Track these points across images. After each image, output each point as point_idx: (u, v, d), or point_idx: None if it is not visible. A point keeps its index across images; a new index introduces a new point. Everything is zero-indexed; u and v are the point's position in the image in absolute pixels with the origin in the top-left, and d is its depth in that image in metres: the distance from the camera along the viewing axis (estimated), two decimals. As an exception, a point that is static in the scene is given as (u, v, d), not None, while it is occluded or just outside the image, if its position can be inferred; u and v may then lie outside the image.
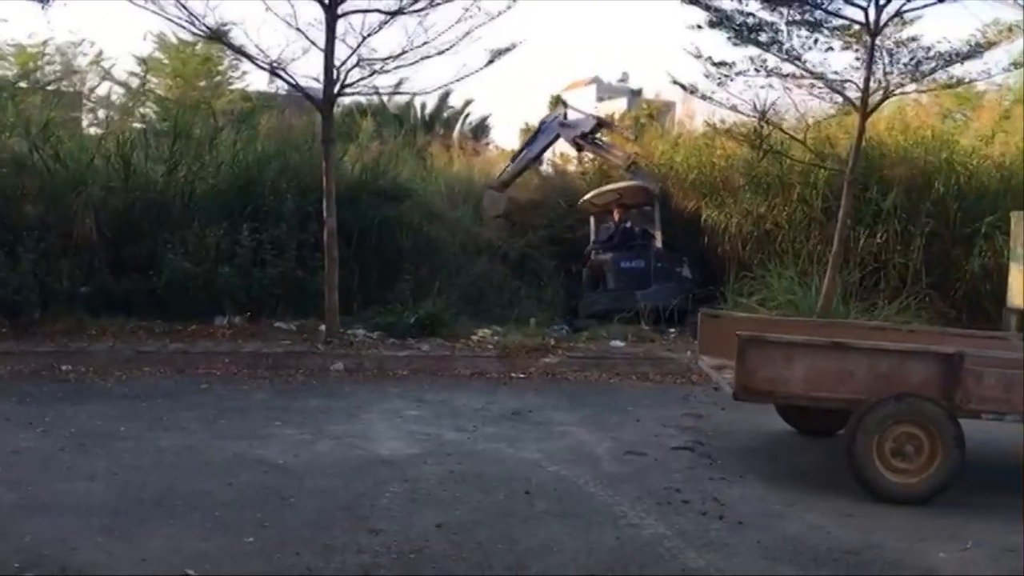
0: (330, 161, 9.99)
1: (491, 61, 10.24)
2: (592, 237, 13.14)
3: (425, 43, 9.67)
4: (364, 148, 15.03)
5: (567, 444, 6.65)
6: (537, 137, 14.27)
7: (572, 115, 14.66)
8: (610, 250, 12.68)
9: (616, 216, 12.87)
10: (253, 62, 10.18)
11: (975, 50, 10.02)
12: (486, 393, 8.45)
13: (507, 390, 8.68)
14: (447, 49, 9.74)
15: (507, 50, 10.18)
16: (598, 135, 13.95)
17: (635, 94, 42.01)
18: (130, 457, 5.98)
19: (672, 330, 11.42)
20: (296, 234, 10.80)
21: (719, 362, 6.36)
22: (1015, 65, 10.24)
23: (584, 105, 15.45)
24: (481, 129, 31.32)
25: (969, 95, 18.34)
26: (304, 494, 5.28)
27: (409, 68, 10.04)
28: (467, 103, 30.55)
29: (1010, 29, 10.00)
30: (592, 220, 13.17)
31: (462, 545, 4.56)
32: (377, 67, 9.85)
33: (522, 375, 9.38)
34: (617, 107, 33.66)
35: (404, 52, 9.75)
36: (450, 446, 6.48)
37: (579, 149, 14.30)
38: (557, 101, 14.37)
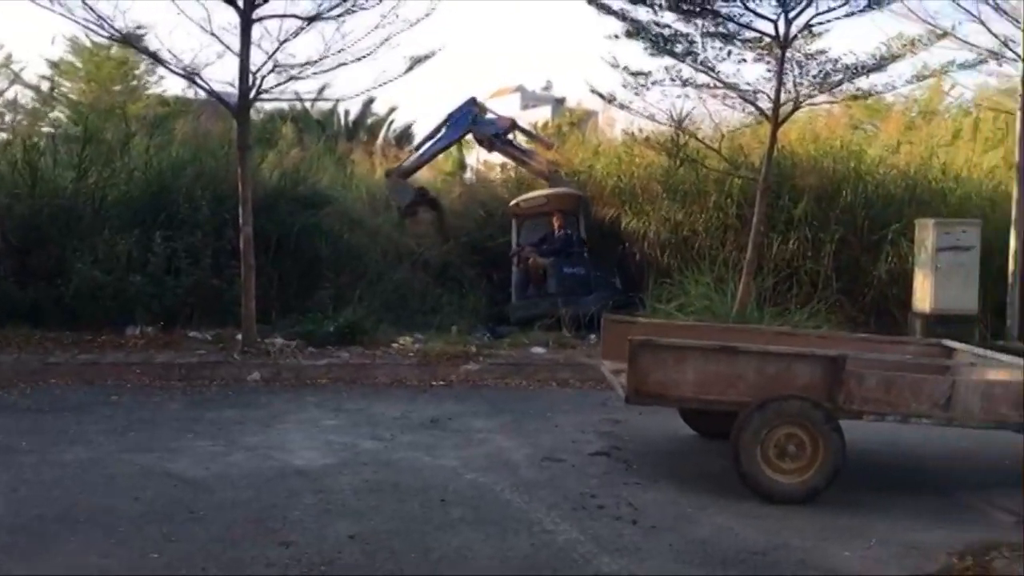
0: (246, 167, 9.83)
1: (410, 68, 10.24)
2: (515, 240, 13.15)
3: (343, 49, 9.61)
4: (284, 154, 14.87)
5: (485, 451, 6.65)
6: (445, 129, 13.78)
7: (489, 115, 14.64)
8: (550, 255, 12.72)
9: (556, 222, 12.93)
10: (166, 67, 9.99)
11: (880, 63, 10.38)
12: (406, 401, 8.41)
13: (427, 398, 8.65)
14: (365, 56, 9.70)
15: (426, 57, 10.20)
16: (511, 137, 13.91)
17: (559, 102, 42.49)
18: (32, 472, 5.78)
19: (593, 336, 11.51)
20: (212, 241, 10.61)
21: (619, 366, 6.41)
22: (918, 78, 10.64)
23: (509, 113, 15.42)
24: (405, 136, 31.19)
25: (878, 106, 19.01)
26: (214, 507, 5.17)
27: (328, 74, 10.00)
28: (391, 110, 30.46)
29: (913, 43, 10.39)
30: (514, 223, 13.19)
31: (375, 555, 4.53)
32: (294, 73, 9.76)
33: (443, 383, 9.36)
34: (541, 115, 34.00)
35: (322, 58, 9.68)
36: (366, 455, 6.42)
37: (490, 149, 14.21)
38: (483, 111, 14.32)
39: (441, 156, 20.36)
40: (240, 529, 4.83)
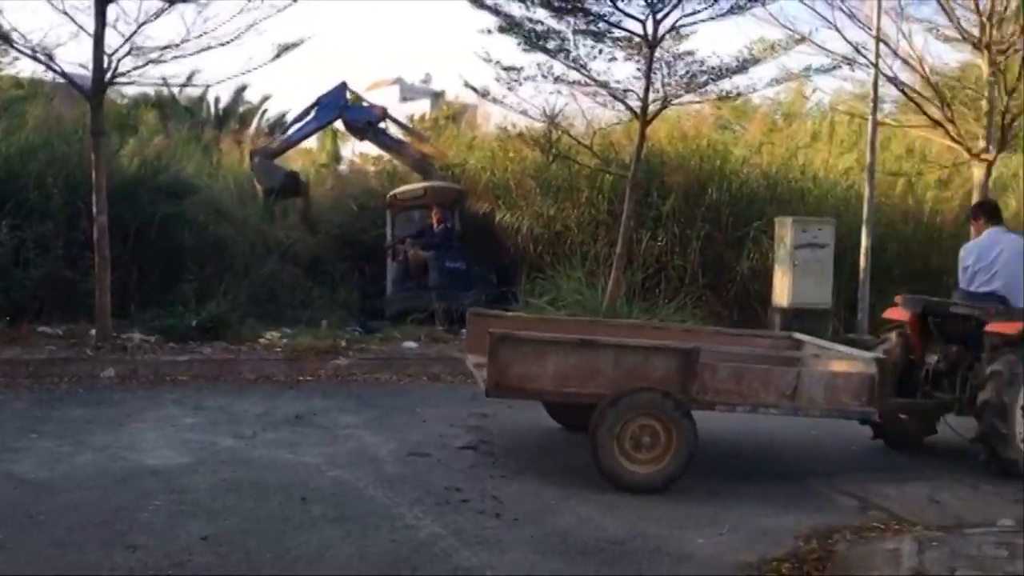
0: (100, 154, 9.36)
1: (278, 55, 9.97)
2: (389, 233, 12.97)
3: (205, 33, 9.27)
4: (147, 142, 14.27)
5: (350, 447, 6.54)
6: (314, 112, 13.33)
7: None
8: (430, 248, 12.61)
9: (435, 216, 12.83)
10: (14, 47, 9.43)
11: (743, 65, 10.72)
12: (270, 397, 8.19)
13: (293, 394, 8.45)
14: (230, 41, 9.38)
15: (294, 45, 9.95)
16: (384, 126, 13.70)
17: (437, 96, 42.24)
18: None
19: (465, 331, 11.50)
20: (64, 231, 10.11)
21: (483, 360, 6.36)
22: (777, 81, 11.05)
23: (387, 106, 15.13)
24: (279, 126, 30.44)
25: (745, 108, 19.69)
26: (56, 510, 4.90)
27: (193, 60, 9.65)
28: (265, 99, 29.65)
29: (773, 47, 10.77)
30: (389, 215, 13.01)
31: (228, 556, 4.37)
32: (154, 57, 9.34)
33: (310, 378, 9.16)
34: (420, 108, 33.74)
35: (183, 42, 9.31)
36: (225, 454, 6.22)
37: (361, 137, 13.96)
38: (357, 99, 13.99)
39: (316, 147, 20.01)
40: (84, 532, 4.59)
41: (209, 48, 9.41)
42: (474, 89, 11.35)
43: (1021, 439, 6.25)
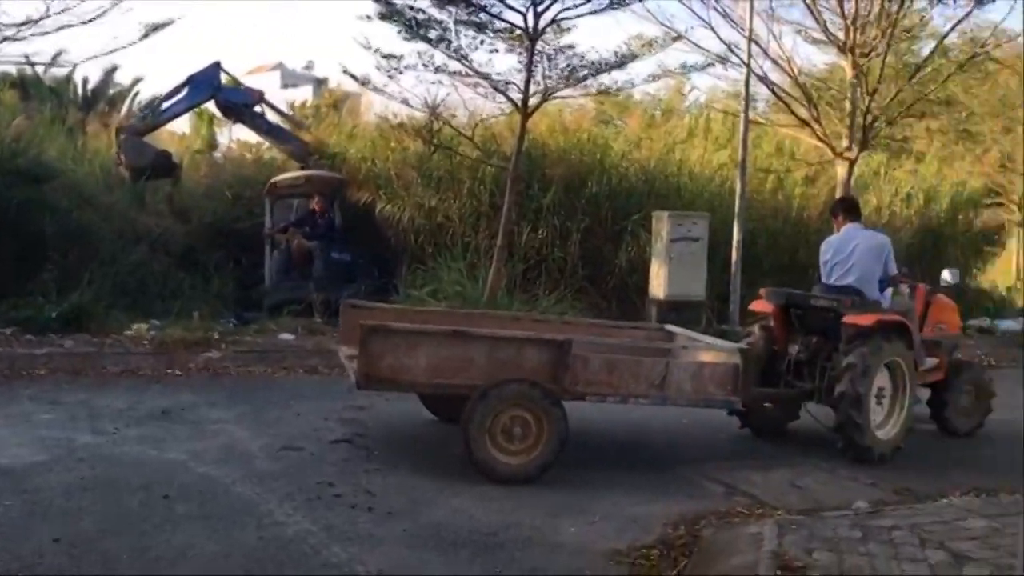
0: (-51, 135, 8.80)
1: (146, 35, 9.60)
2: (268, 221, 12.61)
3: (66, 10, 8.81)
4: (4, 123, 13.46)
5: (219, 443, 6.33)
6: (186, 91, 12.72)
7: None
8: (314, 238, 12.31)
9: (316, 205, 12.54)
10: None
11: (622, 61, 10.89)
12: (135, 392, 7.86)
13: (160, 388, 8.14)
14: (93, 19, 8.96)
15: (163, 25, 9.61)
16: (260, 110, 13.29)
17: (320, 83, 41.46)
18: None
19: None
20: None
21: (355, 352, 6.28)
22: (654, 77, 11.28)
23: (268, 92, 14.68)
24: (152, 109, 29.23)
25: (627, 103, 20.09)
26: None
27: (54, 37, 9.14)
28: (136, 81, 28.46)
29: (651, 44, 10.99)
30: (267, 203, 12.65)
31: (82, 559, 4.17)
32: (9, 34, 8.83)
33: (179, 372, 8.85)
34: (302, 95, 33.03)
35: (42, 19, 8.82)
36: (84, 451, 5.92)
37: (236, 120, 13.50)
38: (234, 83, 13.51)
39: (191, 132, 19.30)
40: (-79, 539, 4.29)
41: (70, 26, 8.96)
42: (354, 77, 11.22)
43: (876, 426, 6.56)
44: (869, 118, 11.98)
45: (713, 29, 11.69)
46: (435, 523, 4.90)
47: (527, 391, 5.68)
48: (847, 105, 12.42)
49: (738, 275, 12.56)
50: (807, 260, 14.74)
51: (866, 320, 6.56)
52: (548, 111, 13.68)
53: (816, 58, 20.16)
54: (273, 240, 12.43)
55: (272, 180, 12.60)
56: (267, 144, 14.51)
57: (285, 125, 14.15)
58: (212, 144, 19.25)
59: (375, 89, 11.17)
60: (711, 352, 6.71)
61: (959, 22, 11.87)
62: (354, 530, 4.73)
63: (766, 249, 14.06)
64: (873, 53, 11.93)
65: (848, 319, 6.61)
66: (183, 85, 12.66)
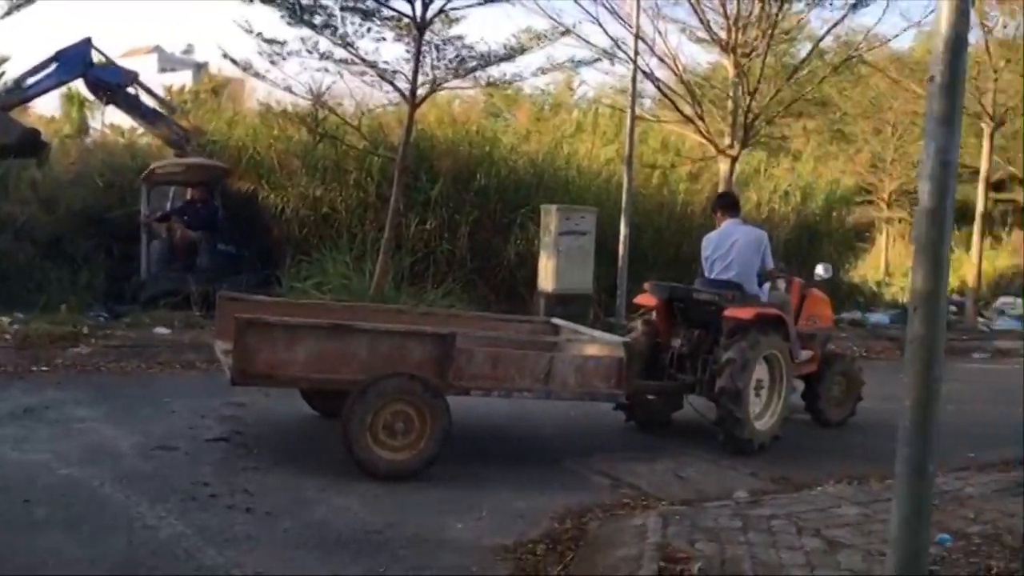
0: None
1: (9, 12, 9.01)
2: (144, 208, 12.03)
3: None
4: None
5: (86, 443, 5.98)
6: (54, 67, 11.92)
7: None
8: (199, 228, 11.82)
9: (196, 194, 12.05)
10: None
11: (511, 53, 10.86)
12: (-5, 390, 7.39)
13: (23, 385, 7.67)
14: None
15: (29, 1, 9.01)
16: (134, 92, 12.66)
17: (200, 67, 40.10)
18: None
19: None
20: None
21: (231, 346, 6.07)
22: (543, 71, 11.28)
23: (145, 76, 13.95)
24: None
25: (516, 96, 20.12)
26: None
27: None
28: (2, 60, 26.85)
29: (540, 37, 11.01)
30: (144, 190, 12.07)
31: (-73, 572, 3.86)
32: None
33: (45, 368, 8.38)
34: (180, 79, 31.85)
35: None
36: (-66, 454, 5.52)
37: (107, 101, 12.76)
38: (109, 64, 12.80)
39: (61, 116, 18.36)
40: None
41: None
42: (234, 62, 10.83)
43: (754, 417, 6.72)
44: (750, 117, 12.28)
45: (601, 25, 11.80)
46: (317, 522, 4.75)
47: (408, 385, 5.55)
48: (729, 104, 12.72)
49: (625, 269, 12.73)
50: (691, 254, 15.06)
51: (746, 314, 6.68)
52: (437, 102, 13.59)
53: (700, 57, 20.63)
54: (151, 229, 11.89)
55: (151, 166, 12.05)
56: (141, 129, 13.88)
57: (161, 109, 13.55)
58: (83, 128, 18.38)
59: (257, 75, 10.84)
60: (595, 346, 6.73)
61: (835, 25, 12.31)
62: (231, 532, 4.54)
63: (652, 243, 14.33)
64: (754, 53, 12.25)
65: (729, 313, 6.72)
66: (51, 60, 11.90)
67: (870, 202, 23.70)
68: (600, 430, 7.24)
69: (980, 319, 16.51)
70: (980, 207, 15.63)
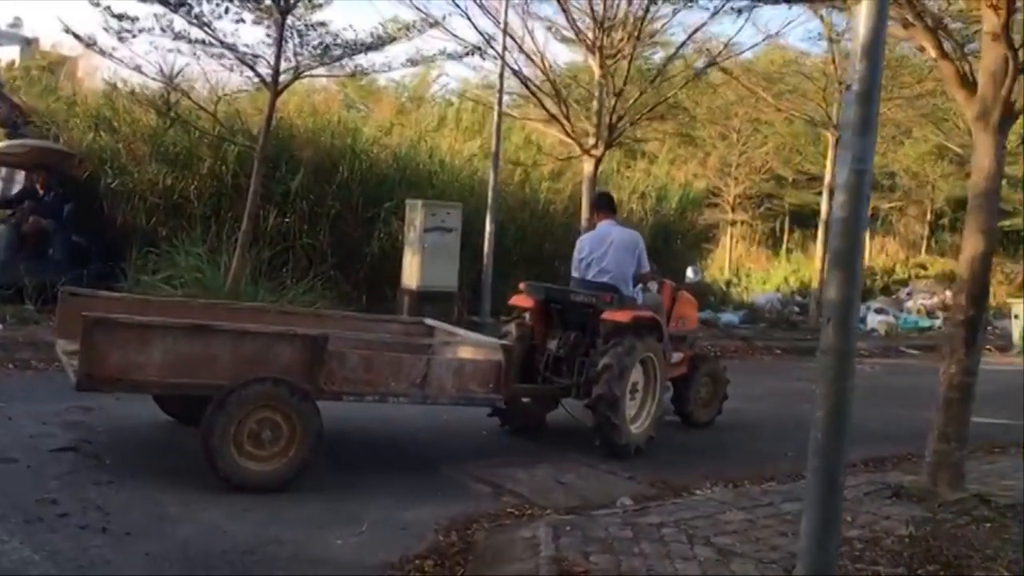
0: None
1: None
2: None
3: None
4: None
5: (-94, 456, 5.33)
6: None
7: None
8: (48, 216, 10.87)
9: (40, 180, 11.06)
10: None
11: (378, 42, 10.53)
12: None
13: None
14: None
15: None
16: None
17: (29, 43, 37.31)
18: None
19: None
20: None
21: (76, 347, 5.55)
22: (412, 62, 11.00)
23: None
24: None
25: (371, 88, 19.68)
26: None
27: None
28: None
29: (408, 28, 10.72)
30: None
31: None
32: None
33: None
34: (7, 55, 29.48)
35: None
36: None
37: None
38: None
39: None
40: None
41: None
42: (77, 37, 10.00)
43: (630, 420, 6.70)
44: (615, 117, 12.38)
45: (470, 18, 11.59)
46: (182, 542, 4.36)
47: (273, 391, 5.19)
48: (595, 104, 12.80)
49: (490, 267, 12.63)
50: (553, 252, 15.21)
51: (623, 317, 6.65)
52: (296, 90, 13.04)
53: (564, 56, 20.73)
54: None
55: None
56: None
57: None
58: None
59: (103, 53, 10.03)
60: (473, 348, 6.56)
61: (696, 30, 12.56)
62: (86, 556, 4.10)
63: (515, 241, 14.29)
64: (620, 55, 12.36)
65: (606, 316, 6.68)
66: None
67: (715, 205, 24.59)
68: (474, 434, 7.08)
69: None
70: (824, 212, 16.39)
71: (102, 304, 6.22)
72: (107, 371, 4.93)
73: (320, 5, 10.57)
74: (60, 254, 10.82)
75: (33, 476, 5.14)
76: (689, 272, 8.16)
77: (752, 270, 25.06)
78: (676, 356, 7.59)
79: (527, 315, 7.18)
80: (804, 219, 29.56)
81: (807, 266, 22.27)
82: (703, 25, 12.43)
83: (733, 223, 26.46)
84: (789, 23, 23.96)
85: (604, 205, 7.50)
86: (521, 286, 7.38)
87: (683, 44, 12.93)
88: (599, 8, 12.32)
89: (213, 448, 5.04)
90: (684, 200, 18.42)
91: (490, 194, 12.70)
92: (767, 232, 30.24)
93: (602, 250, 7.10)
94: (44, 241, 10.90)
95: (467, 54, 11.14)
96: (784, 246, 29.25)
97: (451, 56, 11.04)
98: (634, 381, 6.76)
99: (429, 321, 7.73)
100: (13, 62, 23.99)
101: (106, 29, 9.70)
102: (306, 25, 10.45)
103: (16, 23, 47.57)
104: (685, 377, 7.88)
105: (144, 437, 6.21)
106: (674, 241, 17.88)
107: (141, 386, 5.24)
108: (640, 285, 7.31)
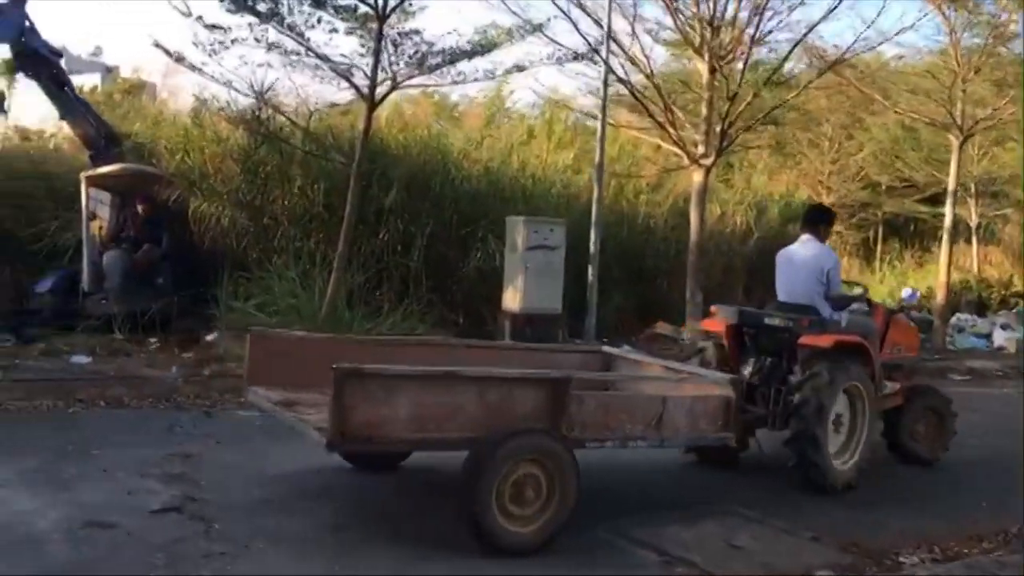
0: None
1: None
2: (85, 213, 10.53)
3: None
4: None
5: (-6, 519, 4.68)
6: None
7: None
8: (150, 242, 10.59)
9: (145, 208, 10.69)
10: None
11: (481, 48, 9.84)
12: None
13: (-90, 435, 6.27)
14: None
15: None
16: (58, 73, 10.98)
17: (109, 70, 37.87)
18: None
19: (154, 341, 9.62)
20: None
21: (282, 395, 5.12)
22: (519, 68, 10.24)
23: None
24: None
25: (443, 104, 18.95)
26: None
27: None
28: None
29: (510, 32, 10.01)
30: (84, 195, 10.53)
31: None
32: None
33: (-62, 409, 6.95)
34: (89, 82, 29.82)
35: None
36: None
37: (36, 77, 10.74)
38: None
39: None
40: None
41: None
42: (167, 52, 9.53)
43: (834, 455, 6.07)
44: (727, 123, 11.48)
45: (574, 22, 10.81)
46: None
47: (541, 442, 4.63)
48: (703, 109, 11.92)
49: (595, 286, 11.80)
50: (655, 268, 14.35)
51: (824, 342, 6.00)
52: (385, 103, 12.43)
53: (671, 60, 19.70)
54: (101, 239, 10.56)
55: (87, 173, 10.56)
56: (48, 132, 12.37)
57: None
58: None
59: (192, 67, 9.52)
60: (702, 384, 5.84)
61: (813, 27, 11.59)
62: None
63: (615, 257, 13.44)
64: (731, 56, 11.48)
65: (804, 340, 6.06)
66: None
67: (809, 215, 23.34)
68: (608, 480, 6.23)
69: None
70: (948, 221, 15.13)
71: (299, 345, 5.76)
72: (356, 427, 4.34)
73: (413, 13, 9.95)
74: (167, 281, 10.39)
75: (135, 546, 4.43)
76: (905, 294, 7.36)
77: (845, 284, 23.71)
78: (890, 386, 6.76)
79: (720, 338, 6.56)
80: (898, 228, 28.20)
81: (916, 278, 20.89)
82: (822, 19, 11.49)
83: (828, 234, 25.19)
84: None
85: (805, 218, 6.85)
86: (712, 308, 6.90)
87: (798, 42, 11.97)
88: (706, 8, 11.47)
89: (476, 509, 4.44)
90: (785, 212, 17.39)
91: (594, 208, 11.88)
92: (859, 243, 28.90)
93: (790, 269, 6.57)
94: (153, 268, 10.47)
95: (576, 58, 10.36)
96: (878, 257, 27.86)
97: (560, 60, 10.27)
98: (838, 413, 6.09)
99: (607, 348, 7.15)
100: (95, 87, 24.05)
101: (196, 44, 9.21)
102: (399, 34, 9.82)
103: (97, 52, 48.43)
104: (900, 409, 7.00)
105: (254, 494, 5.39)
106: (774, 255, 16.85)
107: (392, 443, 4.65)
108: (844, 308, 6.56)
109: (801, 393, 5.92)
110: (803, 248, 6.55)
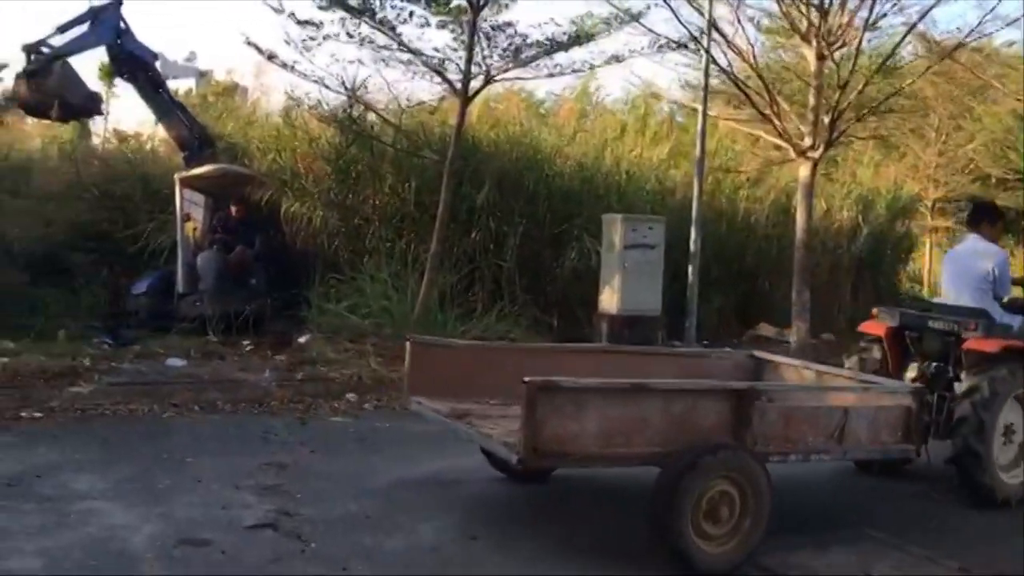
0: None
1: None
2: (181, 218, 10.58)
3: None
4: None
5: (89, 537, 4.43)
6: (89, 26, 10.07)
7: None
8: (244, 243, 10.57)
9: (240, 209, 10.69)
10: None
11: (573, 40, 9.44)
12: (-29, 448, 5.91)
13: (9, 440, 6.16)
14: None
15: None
16: (153, 76, 10.99)
17: (203, 75, 38.74)
18: None
19: (247, 343, 9.51)
20: None
21: (449, 406, 4.98)
22: (616, 59, 9.82)
23: None
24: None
25: (530, 101, 18.51)
26: None
27: None
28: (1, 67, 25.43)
29: (608, 22, 9.59)
30: (179, 195, 10.57)
31: None
32: None
33: (37, 413, 6.85)
34: (183, 86, 30.49)
35: None
36: None
37: (132, 80, 10.84)
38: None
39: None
40: None
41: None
42: (258, 49, 9.42)
43: (1008, 466, 5.70)
44: (835, 113, 10.82)
45: (674, 11, 10.30)
46: None
47: (736, 458, 4.41)
48: (809, 99, 11.28)
49: (695, 286, 11.29)
50: (755, 268, 13.72)
51: (990, 346, 5.63)
52: (477, 100, 12.13)
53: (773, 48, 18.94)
54: (195, 240, 10.58)
55: (182, 175, 10.57)
56: (144, 135, 12.47)
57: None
58: (85, 133, 16.87)
59: (284, 66, 9.38)
60: (882, 393, 5.46)
61: (929, 10, 10.84)
62: None
63: (713, 256, 12.87)
64: (841, 43, 10.82)
65: (970, 344, 5.69)
66: (83, 17, 10.11)
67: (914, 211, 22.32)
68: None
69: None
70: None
71: (451, 353, 5.69)
72: (547, 443, 4.14)
73: (506, 5, 9.63)
74: (260, 282, 10.32)
75: (230, 566, 4.19)
76: None
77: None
78: None
79: (881, 342, 6.25)
80: (1009, 223, 26.78)
81: (1032, 275, 19.69)
82: (938, 2, 10.71)
83: (934, 230, 24.03)
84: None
85: (969, 217, 6.57)
86: (874, 311, 6.54)
87: (913, 26, 11.24)
88: (815, -8, 10.82)
89: (671, 529, 4.21)
90: (894, 205, 16.54)
91: (695, 205, 11.36)
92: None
93: (956, 269, 6.33)
94: (246, 270, 10.43)
95: (677, 47, 9.89)
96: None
97: (661, 48, 9.81)
98: (1009, 422, 5.69)
99: (758, 354, 6.76)
100: (190, 90, 24.51)
101: (287, 42, 9.07)
102: (492, 26, 9.51)
103: (191, 57, 49.57)
104: None
105: (350, 508, 5.10)
106: (884, 250, 16.07)
107: (583, 460, 4.41)
108: (1020, 312, 6.14)
109: (960, 409, 5.54)
110: (968, 247, 6.29)
